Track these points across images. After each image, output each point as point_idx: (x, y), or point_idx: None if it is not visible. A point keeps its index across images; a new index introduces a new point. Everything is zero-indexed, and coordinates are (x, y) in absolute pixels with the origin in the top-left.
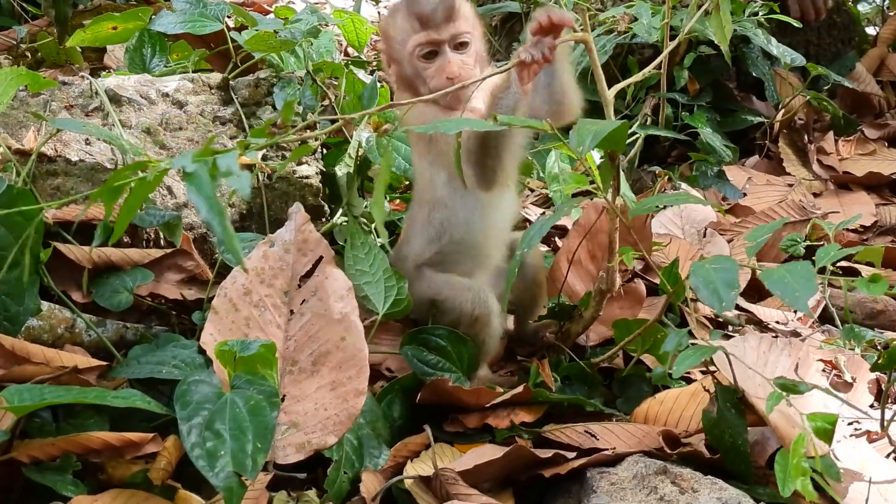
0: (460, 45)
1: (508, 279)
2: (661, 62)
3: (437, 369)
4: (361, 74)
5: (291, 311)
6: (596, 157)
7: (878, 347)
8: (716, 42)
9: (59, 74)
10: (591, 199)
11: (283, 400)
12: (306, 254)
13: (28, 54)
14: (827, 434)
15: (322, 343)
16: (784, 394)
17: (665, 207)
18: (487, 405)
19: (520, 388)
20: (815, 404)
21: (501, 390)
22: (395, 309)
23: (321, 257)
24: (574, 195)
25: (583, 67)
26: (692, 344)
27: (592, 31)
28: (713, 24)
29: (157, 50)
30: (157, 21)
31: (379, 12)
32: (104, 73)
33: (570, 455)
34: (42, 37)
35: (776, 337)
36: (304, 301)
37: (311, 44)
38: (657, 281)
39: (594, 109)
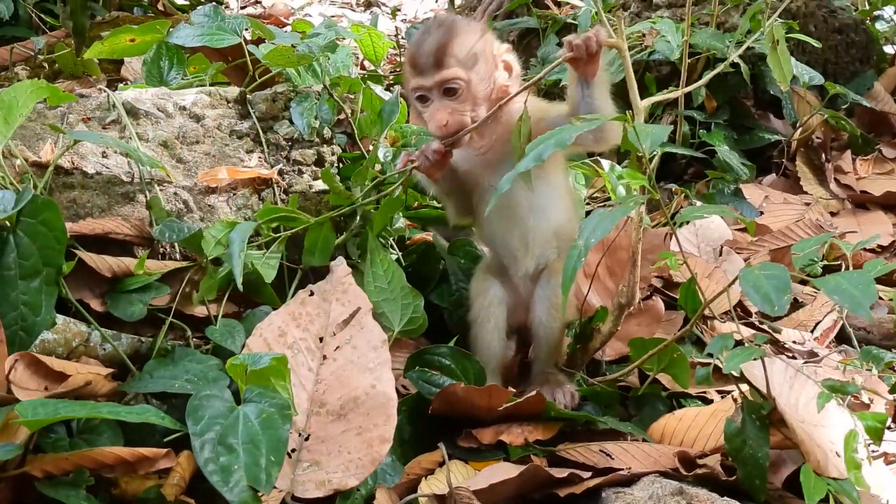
0: (450, 91)
1: (565, 284)
2: (681, 78)
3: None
4: (378, 90)
5: (324, 357)
6: (606, 166)
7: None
8: (777, 81)
9: (76, 86)
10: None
11: (307, 439)
12: (344, 304)
13: (45, 65)
14: (878, 433)
15: (352, 389)
16: (832, 394)
17: (687, 222)
18: (500, 413)
19: (532, 393)
20: (837, 429)
21: (514, 391)
22: (410, 327)
23: (359, 308)
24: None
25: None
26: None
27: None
28: (772, 61)
29: (174, 63)
30: (174, 34)
31: (396, 27)
32: (121, 85)
33: (586, 475)
34: (60, 48)
35: (794, 358)
36: (337, 348)
37: (328, 58)
38: (674, 296)
39: None
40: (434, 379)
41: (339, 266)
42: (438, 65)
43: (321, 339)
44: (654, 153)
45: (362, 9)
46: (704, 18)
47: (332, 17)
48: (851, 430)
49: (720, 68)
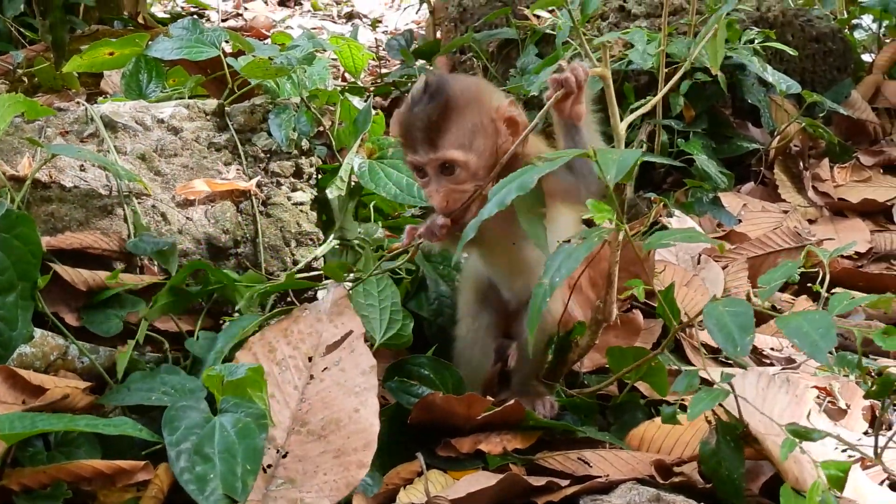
0: (447, 170)
1: (532, 322)
2: (658, 88)
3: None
4: (357, 101)
5: (311, 376)
6: None
7: (872, 374)
8: (709, 67)
9: (55, 100)
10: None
11: (284, 456)
12: (337, 326)
13: (25, 79)
14: (840, 482)
15: (335, 411)
16: (797, 441)
17: None
18: (479, 422)
19: (511, 402)
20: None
21: (492, 400)
22: (393, 341)
23: (351, 331)
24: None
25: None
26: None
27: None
28: (709, 49)
29: (153, 76)
30: (153, 47)
31: (376, 38)
32: (101, 98)
33: (564, 483)
34: (39, 62)
35: (772, 365)
36: (325, 368)
37: (306, 70)
38: (654, 305)
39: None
40: (413, 389)
41: (336, 288)
42: (433, 145)
43: (310, 359)
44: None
45: (343, 21)
46: (682, 28)
47: (313, 29)
48: (815, 483)
49: (682, 70)
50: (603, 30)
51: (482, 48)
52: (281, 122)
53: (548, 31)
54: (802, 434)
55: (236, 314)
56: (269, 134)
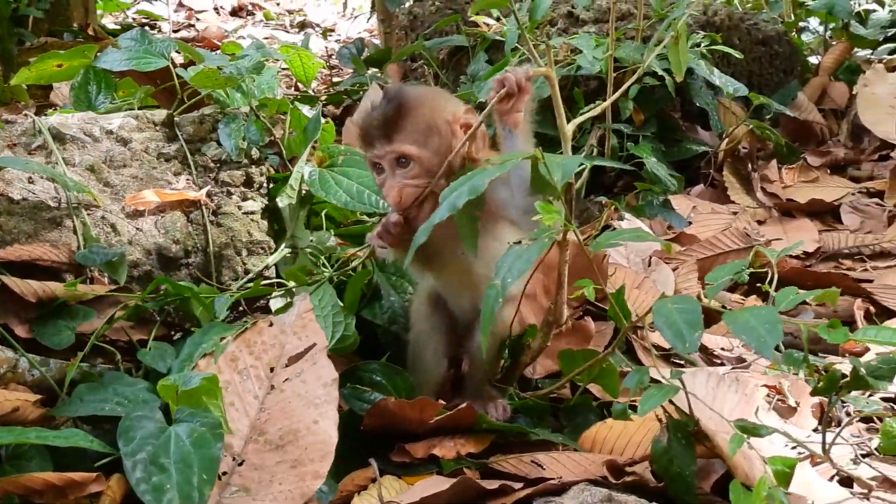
0: (402, 164)
1: (484, 324)
2: (607, 93)
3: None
4: (307, 110)
5: (272, 386)
6: None
7: (819, 371)
8: (672, 73)
9: (3, 112)
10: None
11: (241, 464)
12: (301, 338)
13: None
14: (786, 477)
15: (294, 422)
16: (745, 436)
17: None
18: (432, 426)
19: (463, 405)
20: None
21: (444, 403)
22: (341, 344)
23: (315, 344)
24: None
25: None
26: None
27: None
28: (671, 55)
29: (102, 87)
30: (102, 58)
31: (327, 47)
32: (50, 110)
33: (517, 486)
34: None
35: (722, 364)
36: (287, 379)
37: (254, 80)
38: (605, 308)
39: (549, 142)
40: (365, 395)
41: (303, 301)
42: (388, 139)
43: (272, 369)
44: (584, 166)
45: (296, 30)
46: (630, 33)
47: (265, 39)
48: (761, 478)
49: (637, 75)
50: (552, 35)
51: (433, 55)
52: (230, 132)
53: (497, 37)
54: (750, 430)
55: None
56: (219, 143)
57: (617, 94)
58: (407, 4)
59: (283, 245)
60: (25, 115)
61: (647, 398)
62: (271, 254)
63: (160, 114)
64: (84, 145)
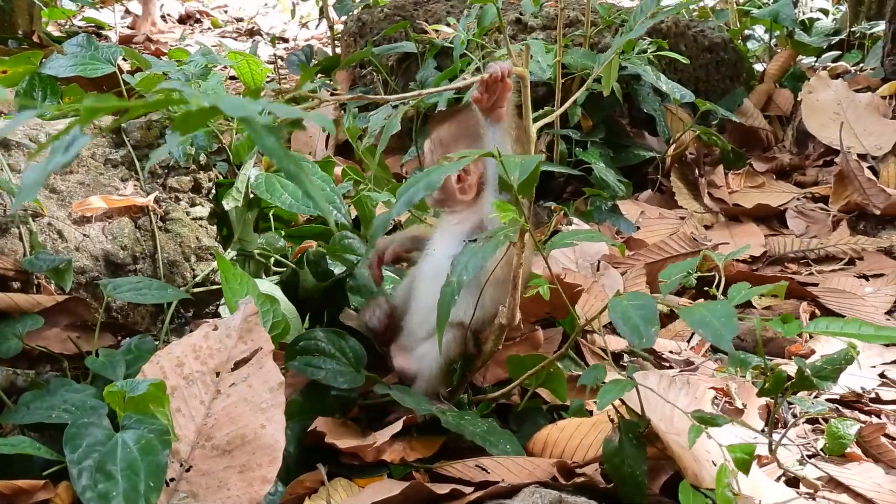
0: None
1: (440, 320)
2: (556, 98)
3: (328, 371)
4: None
5: (218, 391)
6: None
7: (765, 373)
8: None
9: None
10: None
11: (188, 470)
12: (247, 342)
13: None
14: (745, 465)
15: (241, 427)
16: (703, 427)
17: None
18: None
19: (412, 414)
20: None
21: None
22: (274, 332)
23: (260, 348)
24: None
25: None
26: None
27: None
28: (603, 70)
29: (48, 93)
30: (47, 64)
31: (276, 54)
32: None
33: (468, 490)
34: None
35: (671, 367)
36: (233, 384)
37: (200, 85)
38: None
39: None
40: (318, 362)
41: (247, 304)
42: None
43: (218, 374)
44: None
45: (245, 38)
46: (578, 40)
47: (213, 46)
48: (722, 465)
49: (587, 84)
50: (500, 42)
51: (382, 62)
52: (175, 136)
53: (446, 44)
54: (708, 420)
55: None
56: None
57: (570, 102)
58: (355, 11)
59: (230, 249)
60: None
61: (605, 392)
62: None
63: (106, 120)
64: (30, 151)
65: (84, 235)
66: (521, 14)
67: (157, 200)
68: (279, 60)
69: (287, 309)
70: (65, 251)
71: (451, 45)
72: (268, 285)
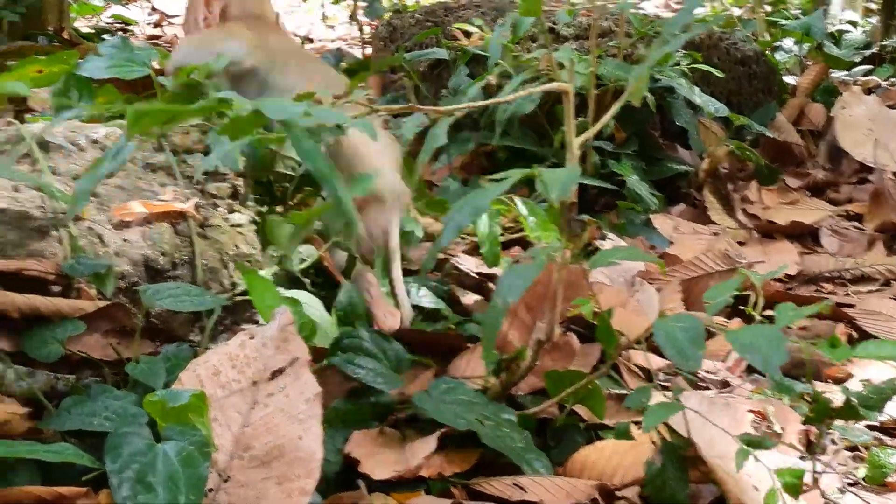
0: None
1: (487, 343)
2: (588, 109)
3: (368, 370)
4: None
5: (255, 402)
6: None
7: (807, 399)
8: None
9: None
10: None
11: (226, 481)
12: (283, 352)
13: None
14: (795, 489)
15: (279, 437)
16: (750, 450)
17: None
18: None
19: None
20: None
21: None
22: (301, 334)
23: (297, 358)
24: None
25: (509, 115)
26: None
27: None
28: (633, 81)
29: (84, 95)
30: (84, 65)
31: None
32: (28, 116)
33: None
34: None
35: (707, 388)
36: (270, 394)
37: None
38: (587, 326)
39: (519, 156)
40: (359, 361)
41: (283, 314)
42: None
43: (255, 383)
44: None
45: None
46: (612, 50)
47: None
48: (771, 490)
49: (624, 97)
50: (533, 51)
51: (413, 68)
52: (217, 141)
53: (479, 51)
54: (756, 444)
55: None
56: (206, 153)
57: (609, 115)
58: (386, 15)
59: (267, 256)
60: (10, 122)
61: (652, 414)
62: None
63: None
64: (69, 154)
65: (124, 240)
66: (553, 24)
67: (196, 206)
68: None
69: (318, 313)
70: (105, 256)
71: (483, 53)
72: (300, 294)
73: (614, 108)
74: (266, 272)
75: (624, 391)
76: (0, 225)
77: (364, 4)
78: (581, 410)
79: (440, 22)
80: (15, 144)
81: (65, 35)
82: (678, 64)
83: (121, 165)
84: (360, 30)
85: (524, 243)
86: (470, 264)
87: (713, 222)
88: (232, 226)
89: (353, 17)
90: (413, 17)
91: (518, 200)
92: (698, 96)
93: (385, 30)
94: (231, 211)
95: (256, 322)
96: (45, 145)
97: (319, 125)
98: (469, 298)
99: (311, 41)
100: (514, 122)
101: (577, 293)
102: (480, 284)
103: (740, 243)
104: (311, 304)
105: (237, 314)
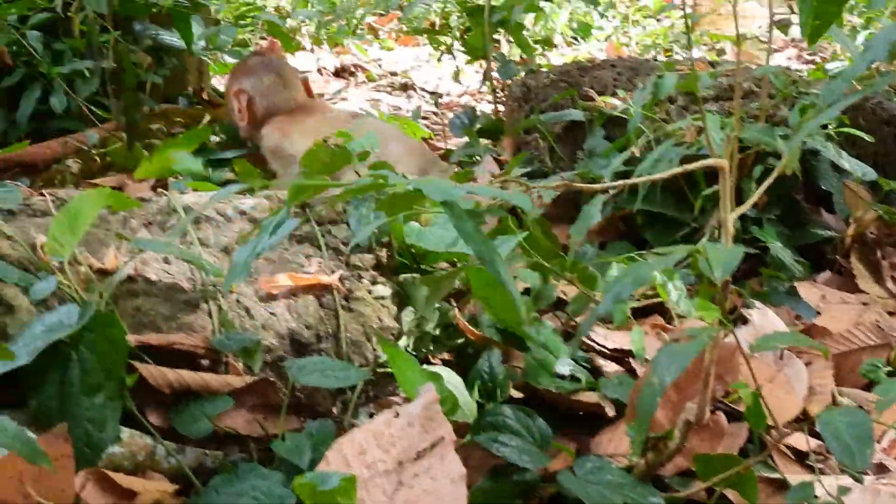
0: None
1: (642, 423)
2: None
3: (513, 448)
4: None
5: (401, 482)
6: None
7: None
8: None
9: (128, 180)
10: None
11: None
12: (428, 431)
13: (97, 158)
14: None
15: None
16: None
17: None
18: None
19: None
20: None
21: None
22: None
23: (442, 437)
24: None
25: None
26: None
27: (658, 143)
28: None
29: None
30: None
31: (434, 112)
32: (172, 180)
33: None
34: (112, 142)
35: (865, 473)
36: (416, 475)
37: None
38: (737, 407)
39: (657, 220)
40: (504, 439)
41: (428, 392)
42: None
43: (400, 464)
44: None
45: (400, 92)
46: (752, 112)
47: (369, 101)
48: None
49: (779, 170)
50: (671, 113)
51: (548, 129)
52: (359, 216)
53: (616, 113)
54: None
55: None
56: (349, 225)
57: (761, 189)
58: (519, 75)
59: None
60: (160, 193)
61: None
62: (399, 339)
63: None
64: (218, 225)
65: (270, 313)
66: None
67: (340, 278)
68: (434, 115)
69: (458, 387)
70: (252, 328)
71: (623, 116)
72: (439, 367)
73: (766, 183)
74: (403, 341)
75: (776, 475)
76: (151, 297)
77: (497, 65)
78: (731, 494)
79: (575, 82)
80: (166, 215)
81: (204, 95)
82: (825, 127)
83: (280, 241)
84: (493, 90)
85: (659, 309)
86: (600, 336)
87: (861, 291)
88: (375, 298)
89: (486, 77)
90: (547, 76)
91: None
92: (846, 161)
93: (519, 90)
94: (374, 282)
95: (399, 395)
96: (195, 216)
97: (480, 206)
98: (609, 367)
99: (440, 95)
100: (653, 186)
101: (728, 369)
102: (616, 354)
103: (890, 313)
104: (450, 378)
105: (379, 387)
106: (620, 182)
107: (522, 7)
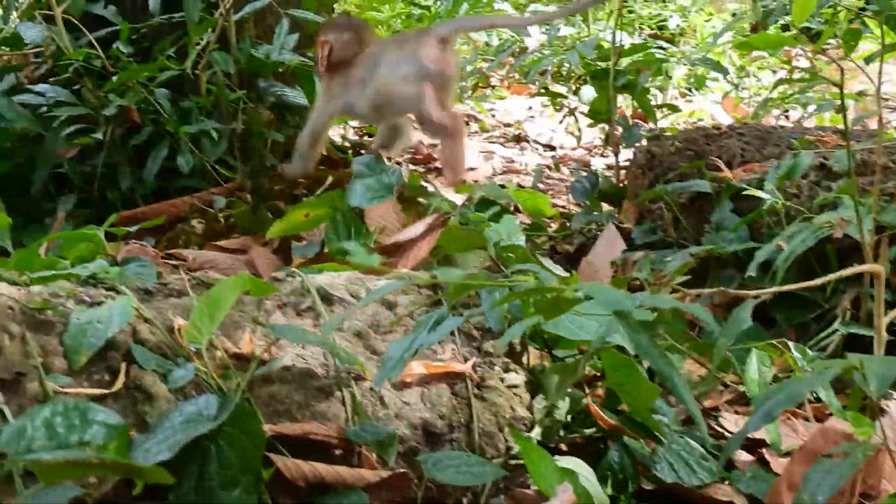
0: None
1: None
2: (863, 254)
3: None
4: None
5: None
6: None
7: None
8: None
9: (251, 242)
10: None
11: None
12: None
13: (221, 219)
14: None
15: None
16: None
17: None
18: None
19: None
20: None
21: None
22: None
23: None
24: None
25: (786, 255)
26: None
27: (789, 218)
28: None
29: (352, 231)
30: (349, 197)
31: (550, 167)
32: (297, 244)
33: None
34: (237, 205)
35: None
36: None
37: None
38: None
39: (787, 298)
40: None
41: (565, 493)
42: None
43: None
44: (838, 332)
45: (513, 144)
46: (888, 190)
47: (482, 153)
48: None
49: None
50: (802, 188)
51: (673, 199)
52: (492, 301)
53: (743, 185)
54: None
55: None
56: (483, 313)
57: None
58: (644, 142)
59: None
60: (294, 275)
61: None
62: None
63: (423, 275)
64: (350, 307)
65: (404, 402)
66: (825, 159)
67: (473, 366)
68: (547, 169)
69: (590, 481)
70: (385, 417)
71: (752, 191)
72: (571, 460)
73: None
74: (535, 431)
75: None
76: (286, 384)
77: (620, 130)
78: None
79: (701, 151)
80: (300, 296)
81: (323, 151)
82: None
83: (439, 339)
84: (616, 154)
85: None
86: (730, 423)
87: None
88: (508, 386)
89: (607, 141)
90: (672, 143)
91: (795, 351)
92: None
93: (643, 156)
94: (507, 370)
95: (530, 487)
96: (328, 298)
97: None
98: (741, 457)
99: (554, 149)
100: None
101: (872, 471)
102: (747, 443)
103: None
104: (581, 469)
105: (510, 479)
106: (771, 290)
107: (651, 72)
